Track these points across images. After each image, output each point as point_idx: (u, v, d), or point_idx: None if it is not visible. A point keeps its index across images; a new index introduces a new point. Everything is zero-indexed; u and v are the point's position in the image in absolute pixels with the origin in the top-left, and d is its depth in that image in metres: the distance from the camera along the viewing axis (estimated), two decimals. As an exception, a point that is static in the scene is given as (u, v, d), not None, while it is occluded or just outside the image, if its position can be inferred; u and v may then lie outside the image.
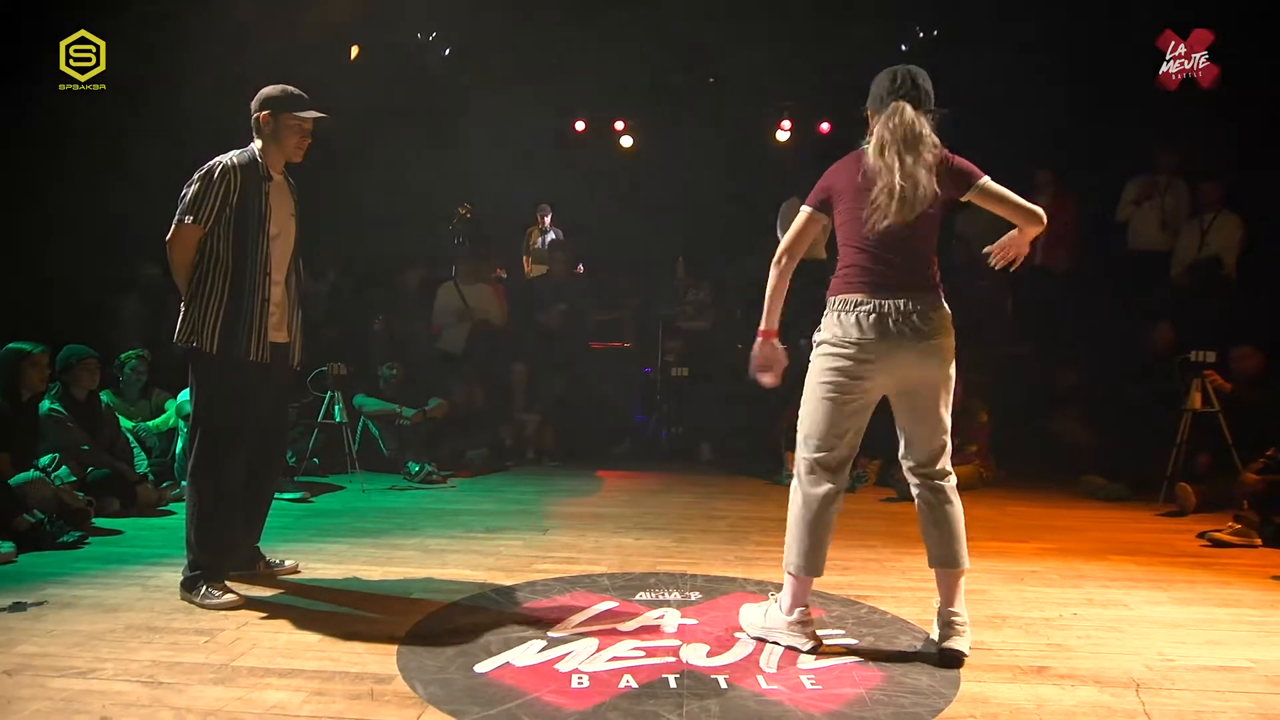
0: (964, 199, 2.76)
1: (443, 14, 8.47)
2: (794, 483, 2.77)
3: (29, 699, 2.27)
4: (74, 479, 4.42)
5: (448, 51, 9.08)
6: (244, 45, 5.94)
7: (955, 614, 2.68)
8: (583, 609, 3.07)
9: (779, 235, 8.51)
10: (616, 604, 3.14)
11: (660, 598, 3.23)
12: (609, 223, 9.53)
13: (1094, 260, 7.37)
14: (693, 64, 9.45)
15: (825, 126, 9.90)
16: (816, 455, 2.72)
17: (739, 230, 8.82)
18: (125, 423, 5.15)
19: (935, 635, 2.72)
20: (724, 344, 7.84)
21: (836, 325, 2.66)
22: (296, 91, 3.25)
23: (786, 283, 2.78)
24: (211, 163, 3.14)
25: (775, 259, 2.77)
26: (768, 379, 2.83)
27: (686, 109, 9.72)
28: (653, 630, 2.88)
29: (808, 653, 2.67)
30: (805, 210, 2.77)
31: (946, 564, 2.72)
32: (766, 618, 2.81)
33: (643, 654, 2.67)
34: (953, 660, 2.61)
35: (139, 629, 2.81)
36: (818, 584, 3.42)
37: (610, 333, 8.47)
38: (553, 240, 9.02)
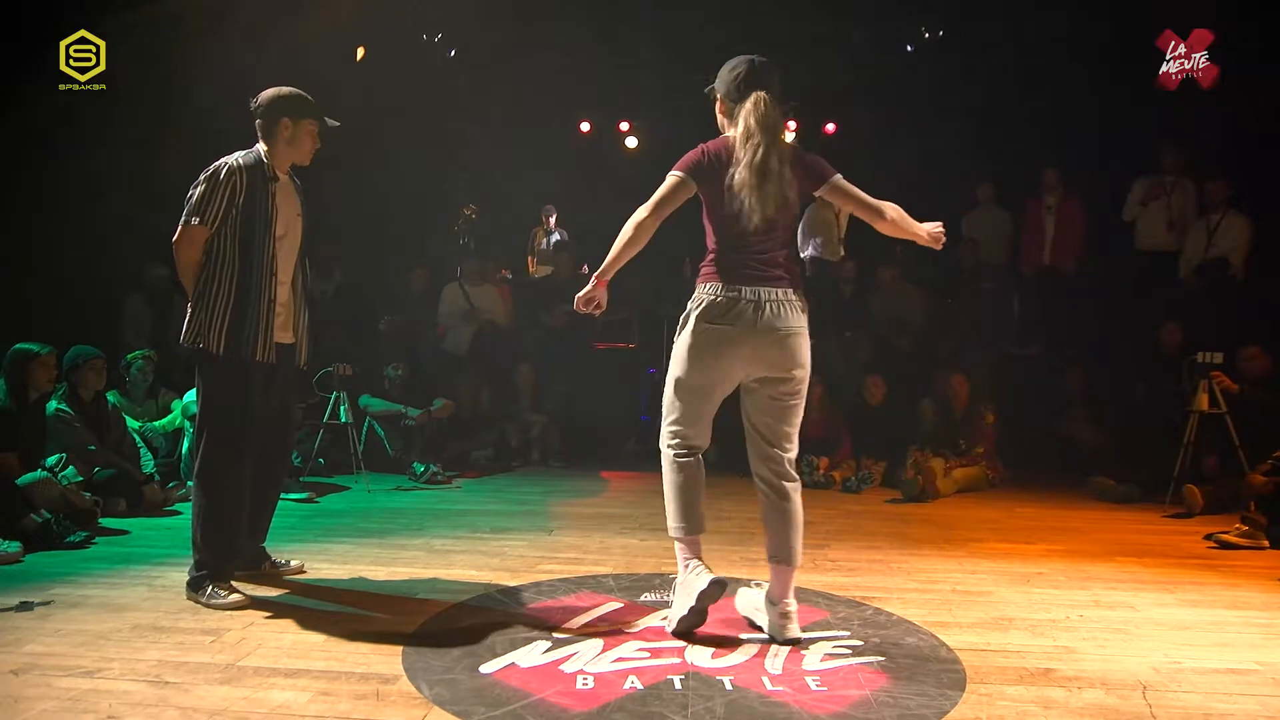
0: (817, 194, 2.83)
1: (448, 15, 8.48)
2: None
3: (36, 698, 2.28)
4: (81, 479, 4.43)
5: (453, 53, 9.09)
6: (250, 46, 5.95)
7: (789, 603, 2.78)
8: (588, 610, 3.07)
9: (799, 242, 8.48)
10: (622, 605, 3.14)
11: (665, 599, 3.22)
12: (614, 223, 9.46)
13: (1101, 261, 7.35)
14: (697, 64, 9.44)
15: (831, 127, 9.88)
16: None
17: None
18: (132, 423, 5.16)
19: (765, 626, 2.81)
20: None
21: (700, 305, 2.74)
22: (305, 94, 3.27)
23: (642, 237, 2.80)
24: (217, 164, 3.15)
25: (638, 215, 2.78)
26: (583, 310, 2.96)
27: (691, 109, 9.71)
28: (657, 631, 2.87)
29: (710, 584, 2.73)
30: (676, 173, 2.76)
31: (787, 561, 2.79)
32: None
33: (648, 655, 2.67)
34: (796, 644, 2.71)
35: (145, 629, 2.82)
36: (824, 585, 3.44)
37: (616, 333, 8.45)
38: (558, 241, 9.02)
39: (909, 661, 2.65)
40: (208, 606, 3.04)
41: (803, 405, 2.82)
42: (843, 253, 8.08)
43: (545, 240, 9.42)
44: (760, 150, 2.62)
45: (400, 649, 2.67)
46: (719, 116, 2.87)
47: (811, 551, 4.03)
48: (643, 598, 3.23)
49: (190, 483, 5.03)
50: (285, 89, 3.26)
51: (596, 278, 2.89)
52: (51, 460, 4.44)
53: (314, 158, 3.34)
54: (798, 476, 2.85)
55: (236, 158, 3.17)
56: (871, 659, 2.67)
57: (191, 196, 3.13)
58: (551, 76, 9.53)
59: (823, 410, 6.17)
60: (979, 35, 7.97)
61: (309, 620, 2.93)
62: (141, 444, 5.11)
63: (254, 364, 3.17)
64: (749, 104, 2.66)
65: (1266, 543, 4.28)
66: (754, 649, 2.73)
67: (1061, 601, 3.31)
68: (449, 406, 6.36)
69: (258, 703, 2.29)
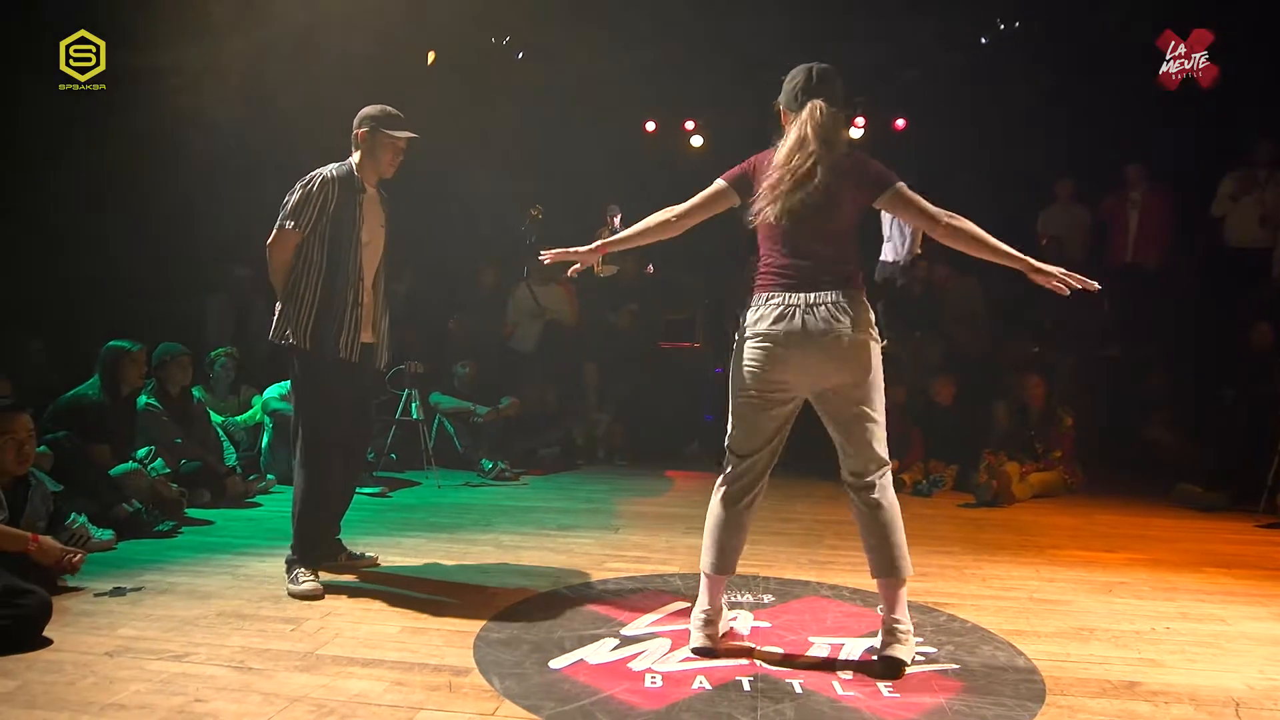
0: (875, 204, 2.67)
1: (516, 17, 8.59)
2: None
3: (128, 680, 2.38)
4: (168, 471, 4.62)
5: (521, 55, 9.20)
6: (326, 57, 6.10)
7: (897, 620, 2.58)
8: (655, 608, 3.08)
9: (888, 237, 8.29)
10: (688, 604, 3.12)
11: (733, 599, 3.21)
12: (679, 223, 9.48)
13: (1188, 258, 7.05)
14: (762, 62, 9.37)
15: (900, 123, 9.69)
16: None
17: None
18: (215, 417, 5.36)
19: (877, 643, 2.63)
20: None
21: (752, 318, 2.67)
22: (394, 112, 3.40)
23: (659, 233, 2.77)
24: (313, 174, 3.33)
25: (668, 210, 2.75)
26: (551, 258, 2.89)
27: (757, 107, 9.63)
28: (725, 633, 2.86)
29: (694, 651, 2.64)
30: (719, 182, 2.74)
31: (884, 573, 2.61)
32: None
33: (716, 655, 2.65)
34: (892, 669, 2.51)
35: (229, 615, 2.93)
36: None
37: (680, 333, 8.44)
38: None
39: (984, 670, 2.58)
40: (291, 585, 3.16)
41: (873, 414, 2.65)
42: (919, 251, 7.94)
43: (610, 240, 9.45)
44: (811, 161, 2.55)
45: (471, 642, 2.72)
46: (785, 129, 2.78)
47: (881, 555, 3.96)
48: (710, 598, 3.21)
49: (270, 475, 5.25)
50: (373, 106, 3.40)
51: (597, 246, 2.88)
52: (142, 452, 4.64)
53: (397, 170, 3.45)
54: (883, 484, 2.67)
55: (331, 169, 3.34)
56: (946, 666, 2.61)
57: (287, 202, 3.31)
58: (617, 76, 9.56)
59: (894, 412, 6.05)
60: (1054, 26, 7.72)
61: (383, 611, 3.01)
62: (224, 438, 5.31)
63: (337, 361, 3.30)
64: (805, 113, 2.61)
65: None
66: (824, 653, 2.69)
67: (1145, 612, 3.18)
68: (516, 404, 6.44)
69: (335, 691, 2.35)
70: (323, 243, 3.29)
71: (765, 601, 3.20)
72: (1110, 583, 3.58)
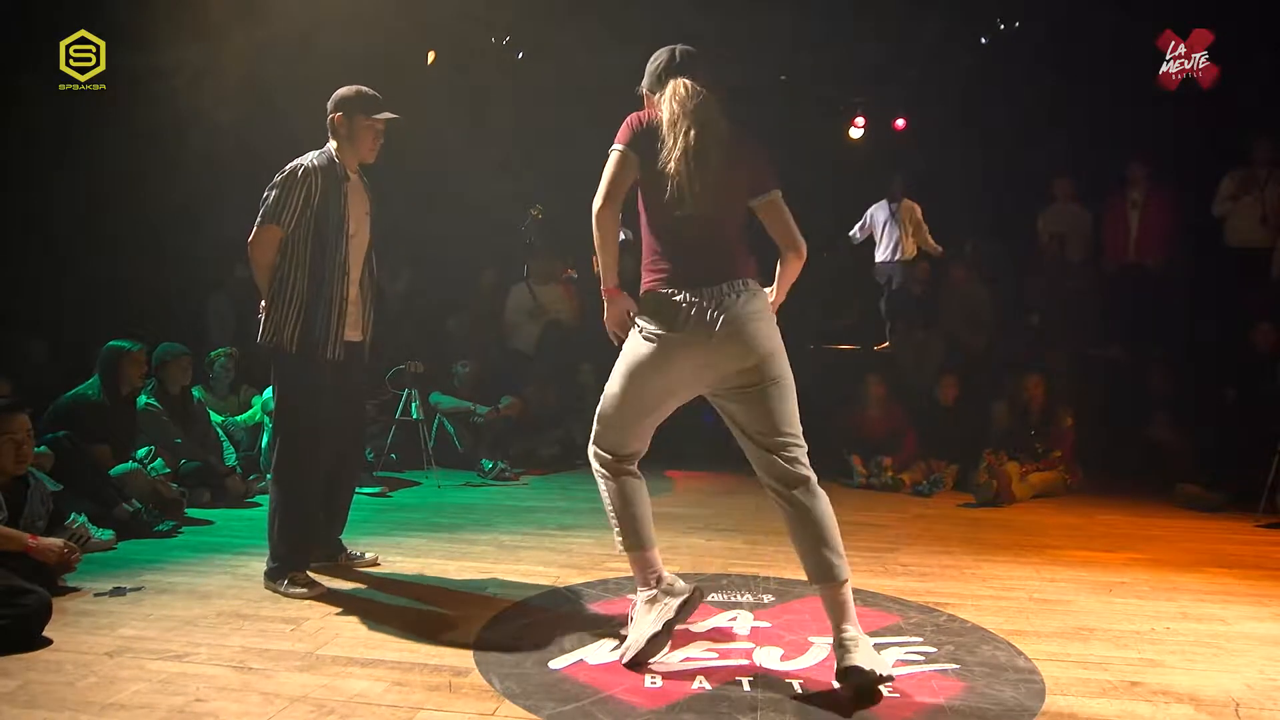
0: (750, 204, 2.54)
1: (513, 18, 8.58)
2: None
3: (129, 679, 2.38)
4: (168, 471, 4.62)
5: (521, 55, 9.19)
6: (326, 56, 6.10)
7: (844, 630, 2.35)
8: (655, 608, 3.06)
9: (855, 236, 8.36)
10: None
11: (733, 599, 3.21)
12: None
13: (1189, 258, 7.04)
14: (762, 61, 9.37)
15: (900, 122, 9.69)
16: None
17: (812, 228, 8.68)
18: (215, 417, 5.36)
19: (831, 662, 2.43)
20: (795, 344, 7.71)
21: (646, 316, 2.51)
22: (370, 92, 3.29)
23: (614, 231, 2.55)
24: (292, 165, 3.21)
25: (595, 209, 2.52)
26: (620, 332, 2.66)
27: (757, 106, 9.63)
28: (725, 632, 2.86)
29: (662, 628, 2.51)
30: (619, 150, 2.50)
31: (820, 579, 2.41)
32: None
33: (715, 656, 2.66)
34: (856, 680, 2.27)
35: (230, 615, 2.93)
36: (895, 590, 3.37)
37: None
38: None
39: (985, 670, 2.58)
40: (285, 596, 3.14)
41: (786, 394, 2.50)
42: (915, 251, 7.94)
43: (611, 239, 9.46)
44: (692, 134, 2.39)
45: (471, 642, 2.72)
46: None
47: (881, 555, 3.97)
48: (710, 598, 3.21)
49: (269, 476, 5.24)
50: (347, 87, 3.30)
51: (605, 291, 2.62)
52: (142, 452, 4.64)
53: (382, 156, 3.38)
54: (809, 474, 2.48)
55: (310, 158, 3.22)
56: (946, 666, 2.61)
57: (266, 199, 3.19)
58: (616, 76, 9.55)
59: (884, 409, 6.06)
60: (1056, 26, 7.70)
61: (383, 612, 3.01)
62: (224, 438, 5.31)
63: (325, 362, 3.23)
64: (668, 91, 2.48)
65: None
66: (823, 653, 2.69)
67: (1146, 612, 3.18)
68: (516, 404, 6.44)
69: (336, 690, 2.35)
70: (308, 237, 3.17)
71: (765, 601, 3.20)
72: (1110, 583, 3.58)
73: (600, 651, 2.66)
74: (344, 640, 2.72)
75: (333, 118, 3.29)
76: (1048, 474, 5.64)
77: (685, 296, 2.44)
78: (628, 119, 2.55)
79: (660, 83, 2.55)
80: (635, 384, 2.56)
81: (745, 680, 2.48)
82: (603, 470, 2.69)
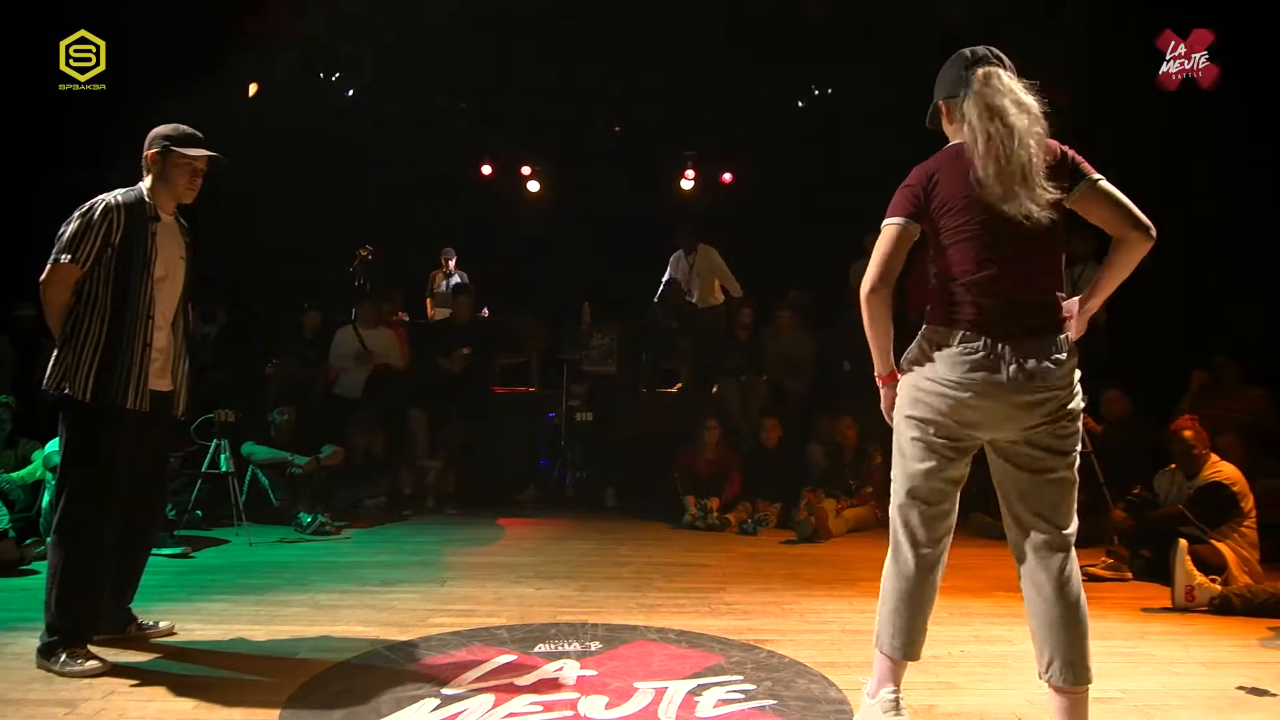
0: (1067, 203, 2.24)
1: (349, 54, 8.39)
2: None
3: None
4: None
5: (351, 92, 8.97)
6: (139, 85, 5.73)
7: None
8: (480, 663, 2.99)
9: (667, 279, 8.64)
10: (515, 657, 3.07)
11: (560, 649, 3.18)
12: (514, 267, 9.52)
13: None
14: (599, 112, 9.64)
15: (728, 176, 10.21)
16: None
17: (644, 276, 8.94)
18: (-14, 475, 4.78)
19: None
20: (629, 389, 7.87)
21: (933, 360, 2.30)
22: (189, 130, 3.16)
23: (888, 314, 2.34)
24: (93, 200, 3.03)
25: (867, 290, 2.30)
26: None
27: (593, 155, 9.87)
28: (551, 683, 2.83)
29: None
30: (896, 222, 2.30)
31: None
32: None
33: (540, 709, 2.62)
34: None
35: (-11, 703, 2.59)
36: (719, 630, 3.46)
37: (515, 377, 8.39)
38: (456, 283, 8.92)
39: (799, 704, 2.68)
40: (61, 675, 2.81)
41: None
42: (721, 296, 8.32)
43: (444, 282, 9.31)
44: (1003, 125, 2.15)
45: (278, 714, 2.54)
46: (946, 129, 2.41)
47: (707, 595, 4.07)
48: (537, 649, 3.17)
49: (49, 539, 4.71)
50: (164, 125, 3.16)
51: (882, 378, 2.47)
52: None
53: (203, 193, 3.22)
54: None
55: (115, 195, 3.05)
56: (764, 703, 2.69)
57: (62, 234, 2.99)
58: (453, 118, 9.52)
59: (717, 451, 6.27)
60: (872, 88, 8.33)
61: (177, 686, 2.75)
62: (-4, 498, 4.73)
63: (125, 412, 3.00)
64: (977, 80, 2.22)
65: (1129, 574, 4.56)
66: (648, 697, 2.71)
67: (944, 637, 3.42)
68: (339, 453, 6.14)
69: (115, 780, 2.12)
70: (108, 278, 2.98)
71: (593, 649, 3.19)
72: (914, 611, 3.82)
73: (419, 713, 2.56)
74: (129, 722, 2.47)
75: (146, 155, 3.14)
76: (860, 509, 6.00)
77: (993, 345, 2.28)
78: (913, 177, 2.35)
79: (963, 82, 2.26)
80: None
81: (569, 732, 2.45)
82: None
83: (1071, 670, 2.22)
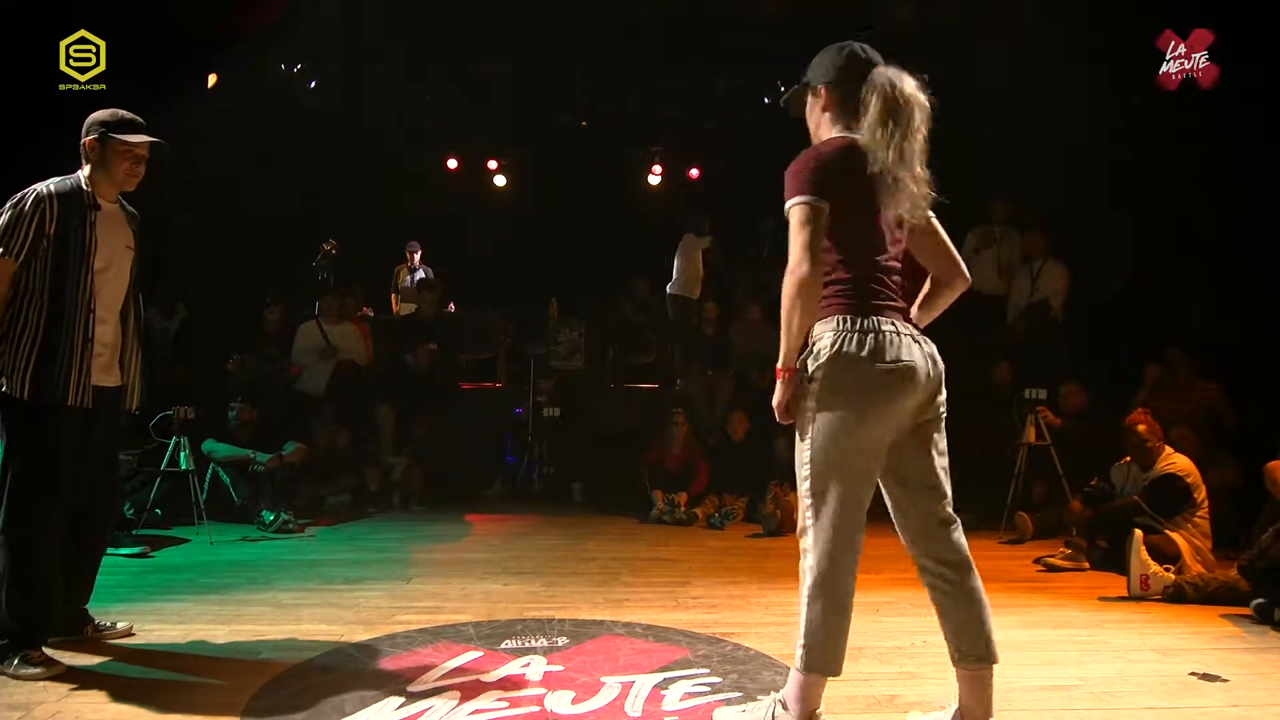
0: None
1: (316, 45, 8.28)
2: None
3: None
4: None
5: (314, 84, 8.85)
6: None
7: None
8: (445, 661, 2.97)
9: (674, 267, 8.66)
10: (481, 654, 3.06)
11: (526, 645, 3.17)
12: (481, 262, 9.47)
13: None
14: (566, 106, 9.62)
15: (695, 172, 10.24)
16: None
17: (611, 271, 8.94)
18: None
19: None
20: (596, 384, 7.88)
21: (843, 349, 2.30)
22: (128, 115, 3.07)
23: (816, 302, 2.28)
24: (25, 191, 2.94)
25: (799, 276, 2.21)
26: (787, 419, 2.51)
27: (560, 150, 9.84)
28: (517, 680, 2.82)
29: None
30: (806, 201, 2.22)
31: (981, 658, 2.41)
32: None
33: (506, 705, 2.61)
34: None
35: (-62, 708, 2.52)
36: (686, 623, 3.47)
37: (481, 373, 8.35)
38: (422, 278, 8.85)
39: (766, 696, 2.70)
40: (14, 678, 2.74)
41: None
42: (699, 292, 8.34)
43: (409, 277, 9.23)
44: (908, 139, 2.19)
45: (240, 713, 2.50)
46: (818, 115, 2.43)
47: (674, 589, 4.08)
48: (503, 645, 3.16)
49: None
50: (103, 110, 3.07)
51: (783, 370, 2.42)
52: None
53: (152, 184, 3.14)
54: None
55: (49, 185, 2.96)
56: (729, 695, 2.71)
57: None
58: (419, 113, 9.43)
59: (685, 445, 6.29)
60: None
61: (135, 689, 2.70)
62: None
63: (66, 409, 2.92)
64: (882, 80, 2.22)
65: (1087, 564, 4.65)
66: (615, 692, 2.71)
67: (906, 629, 3.47)
68: (302, 450, 6.06)
69: (70, 785, 2.08)
70: (44, 270, 2.89)
71: (559, 644, 3.19)
72: (877, 603, 3.88)
73: (384, 712, 2.54)
74: (84, 725, 2.42)
75: (84, 141, 3.04)
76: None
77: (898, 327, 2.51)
78: (806, 161, 2.32)
79: (852, 74, 2.30)
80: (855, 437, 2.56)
81: (535, 728, 2.45)
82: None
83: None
